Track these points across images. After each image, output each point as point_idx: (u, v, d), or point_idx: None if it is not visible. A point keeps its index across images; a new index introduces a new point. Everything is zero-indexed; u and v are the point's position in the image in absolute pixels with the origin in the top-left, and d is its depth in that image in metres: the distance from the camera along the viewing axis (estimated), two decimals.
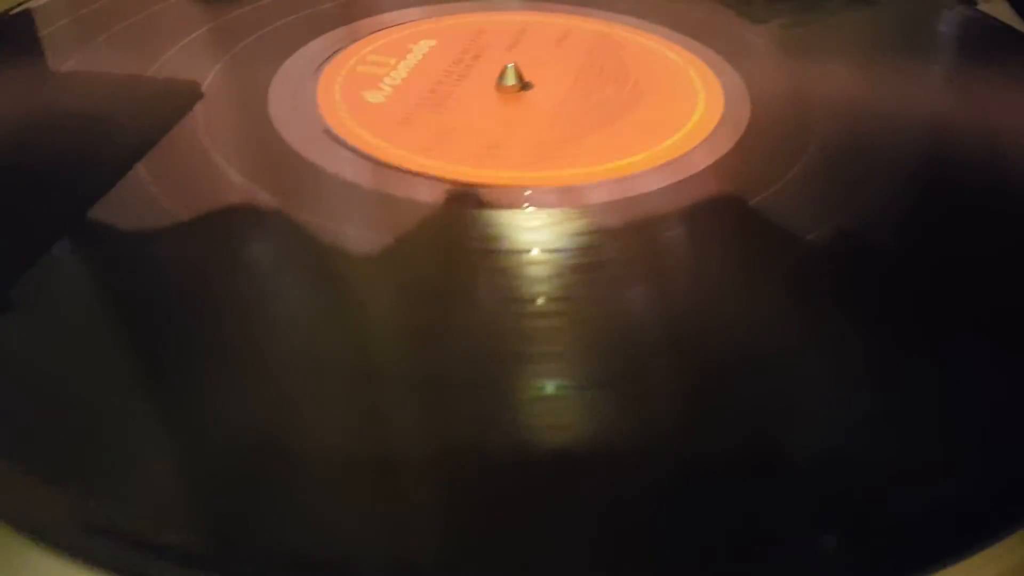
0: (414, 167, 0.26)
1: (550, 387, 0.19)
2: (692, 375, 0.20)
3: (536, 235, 0.24)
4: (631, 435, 0.18)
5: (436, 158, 0.26)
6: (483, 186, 0.25)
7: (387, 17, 0.36)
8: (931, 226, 0.25)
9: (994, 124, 0.29)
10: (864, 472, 0.17)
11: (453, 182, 0.25)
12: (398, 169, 0.26)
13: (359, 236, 0.24)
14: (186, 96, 0.29)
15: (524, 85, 0.30)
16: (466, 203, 0.25)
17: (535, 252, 0.23)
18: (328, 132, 0.28)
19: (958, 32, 0.37)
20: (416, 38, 0.34)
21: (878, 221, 0.25)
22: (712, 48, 0.33)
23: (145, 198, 0.24)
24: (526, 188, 0.25)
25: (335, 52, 0.33)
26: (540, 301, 0.21)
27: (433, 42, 0.34)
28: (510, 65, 0.30)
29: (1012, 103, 0.30)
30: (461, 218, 0.24)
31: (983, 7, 0.39)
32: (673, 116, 0.29)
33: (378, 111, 0.29)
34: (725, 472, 0.17)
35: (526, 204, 0.25)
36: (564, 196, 0.25)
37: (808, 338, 0.21)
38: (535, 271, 0.22)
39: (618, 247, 0.24)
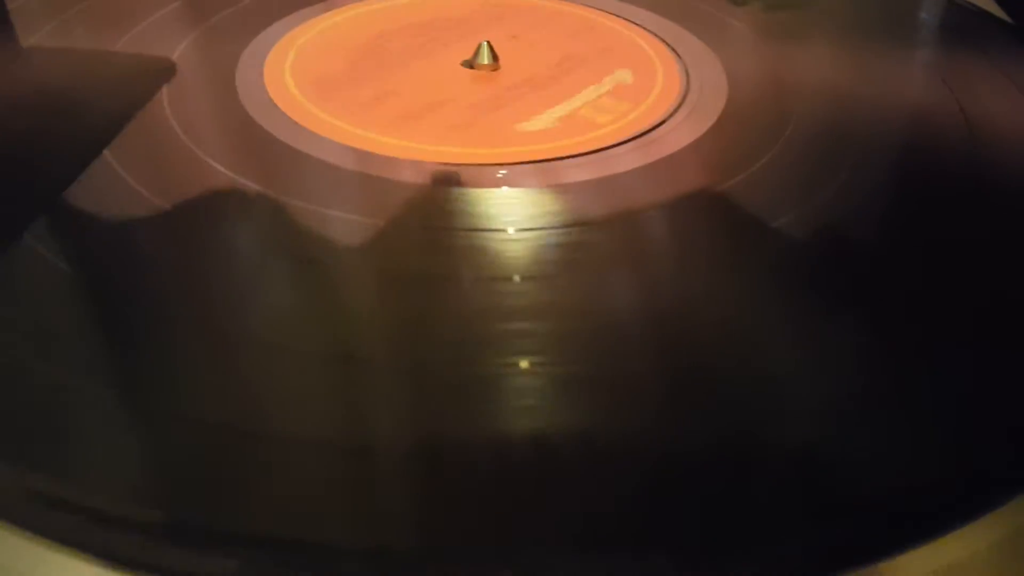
0: (383, 146, 0.26)
1: (525, 362, 0.19)
2: (669, 358, 0.19)
3: (511, 214, 0.23)
4: (609, 416, 0.18)
5: (403, 136, 0.26)
6: (454, 163, 0.25)
7: None
8: (908, 214, 0.25)
9: (973, 110, 0.29)
10: (841, 460, 0.17)
11: (421, 159, 0.25)
12: (370, 150, 0.26)
13: (332, 216, 0.23)
14: (158, 72, 0.29)
15: (496, 64, 0.30)
16: (437, 182, 0.24)
17: (510, 231, 0.23)
18: (293, 111, 0.27)
19: (938, 19, 0.37)
20: (383, 13, 0.34)
21: (855, 209, 0.25)
22: (691, 31, 0.33)
23: (115, 180, 0.24)
24: (496, 165, 0.25)
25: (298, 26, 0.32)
26: (516, 278, 0.21)
27: (402, 18, 0.33)
28: (484, 42, 0.30)
29: (991, 89, 0.30)
30: (433, 197, 0.24)
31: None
32: (634, 92, 0.29)
33: (347, 87, 0.29)
34: (703, 458, 0.17)
35: (500, 183, 0.24)
36: (540, 174, 0.25)
37: (786, 325, 0.21)
38: (511, 250, 0.22)
39: (589, 227, 0.23)
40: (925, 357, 0.20)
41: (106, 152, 0.25)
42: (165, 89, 0.28)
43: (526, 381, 0.19)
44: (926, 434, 0.18)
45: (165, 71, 0.29)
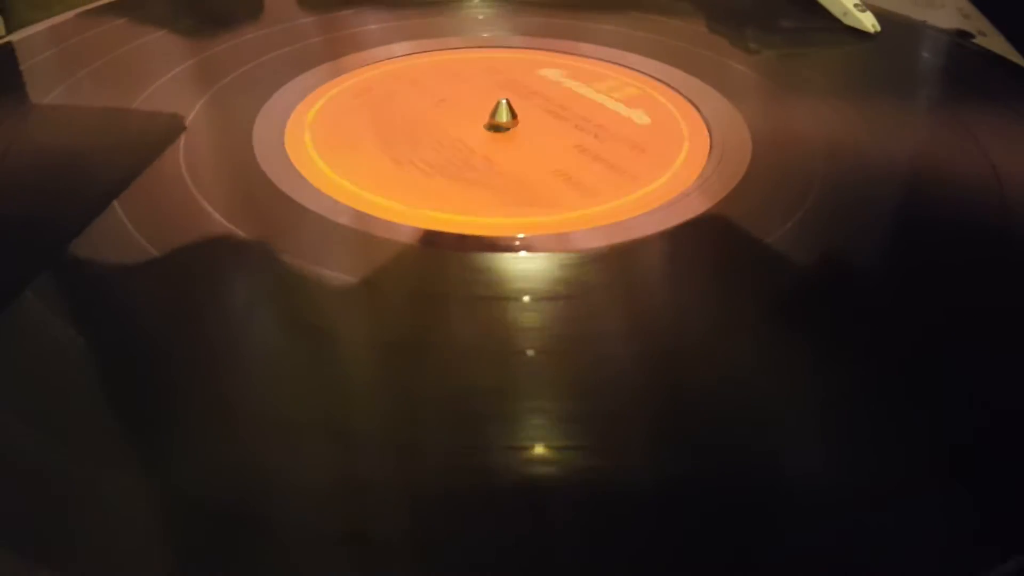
0: (399, 211, 0.25)
1: (539, 447, 0.18)
2: (682, 429, 0.19)
3: (528, 281, 0.23)
4: (616, 492, 0.17)
5: (419, 199, 0.26)
6: (472, 230, 0.24)
7: (369, 54, 0.35)
8: (928, 266, 0.24)
9: (992, 158, 0.28)
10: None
11: (437, 225, 0.25)
12: (383, 211, 0.25)
13: (342, 279, 0.23)
14: (169, 131, 0.29)
15: (515, 122, 0.30)
16: (454, 247, 0.24)
17: (526, 299, 0.22)
18: (309, 172, 0.27)
19: (955, 65, 0.37)
20: (399, 74, 0.34)
21: (877, 261, 0.24)
22: (709, 83, 0.33)
23: (124, 234, 0.24)
24: (514, 232, 0.24)
25: (316, 87, 0.32)
26: (530, 352, 0.20)
27: (416, 80, 0.33)
28: (502, 101, 0.29)
29: (1010, 135, 0.30)
30: (448, 261, 0.24)
31: (980, 40, 0.39)
32: (660, 158, 0.28)
33: (361, 149, 0.28)
34: (718, 524, 0.16)
35: (517, 249, 0.24)
36: (557, 241, 0.24)
37: (796, 378, 0.20)
38: (526, 318, 0.21)
39: (608, 294, 0.23)
40: (946, 414, 0.19)
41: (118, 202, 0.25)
42: (182, 145, 0.28)
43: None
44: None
45: (175, 128, 0.29)
